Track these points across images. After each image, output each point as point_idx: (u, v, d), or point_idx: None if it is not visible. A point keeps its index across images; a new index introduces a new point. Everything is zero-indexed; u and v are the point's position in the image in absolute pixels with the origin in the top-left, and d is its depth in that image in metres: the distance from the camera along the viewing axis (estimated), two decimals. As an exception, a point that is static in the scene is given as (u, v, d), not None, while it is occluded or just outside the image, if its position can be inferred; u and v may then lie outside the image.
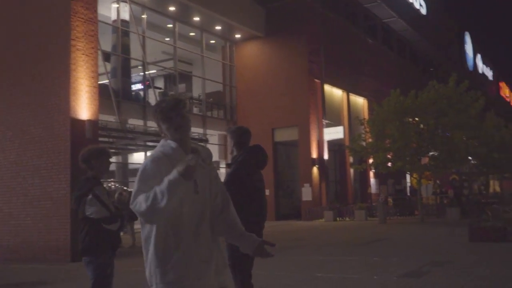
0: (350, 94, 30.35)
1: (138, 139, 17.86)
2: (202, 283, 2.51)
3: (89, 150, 4.69)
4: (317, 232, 18.47)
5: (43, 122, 13.24)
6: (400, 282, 7.43)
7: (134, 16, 20.83)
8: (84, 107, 13.08)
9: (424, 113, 20.98)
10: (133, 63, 22.29)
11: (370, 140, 22.83)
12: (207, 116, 25.50)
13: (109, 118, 17.39)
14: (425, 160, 23.20)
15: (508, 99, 78.89)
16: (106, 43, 19.98)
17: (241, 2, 25.63)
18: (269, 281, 7.79)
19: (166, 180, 2.34)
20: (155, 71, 25.78)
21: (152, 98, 22.03)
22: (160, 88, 25.81)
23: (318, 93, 26.76)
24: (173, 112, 2.59)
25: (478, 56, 62.84)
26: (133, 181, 20.16)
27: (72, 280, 9.74)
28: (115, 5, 20.68)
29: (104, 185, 4.87)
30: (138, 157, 22.32)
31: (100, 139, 14.78)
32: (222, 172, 18.76)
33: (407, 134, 20.77)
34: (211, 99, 27.04)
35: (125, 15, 20.98)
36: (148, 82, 22.38)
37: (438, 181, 29.09)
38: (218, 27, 25.66)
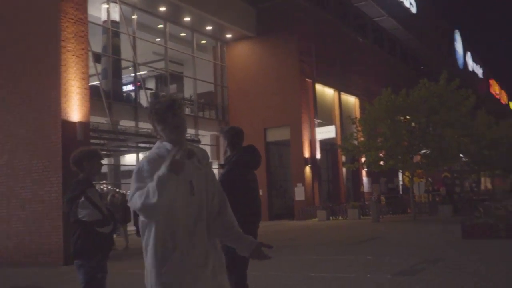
0: (342, 93, 30.42)
1: (130, 141, 17.79)
2: (199, 285, 2.49)
3: (81, 152, 4.65)
4: (310, 231, 18.48)
5: (34, 125, 13.13)
6: (394, 281, 7.43)
7: (124, 17, 20.73)
8: (75, 109, 12.99)
9: (416, 112, 21.07)
10: (124, 64, 22.21)
11: (362, 139, 22.89)
12: (198, 117, 25.45)
13: (101, 120, 17.30)
14: (417, 158, 23.28)
15: (498, 97, 79.44)
16: (97, 44, 19.89)
17: (232, 2, 25.59)
18: (264, 282, 7.77)
19: (155, 177, 2.35)
20: (146, 72, 25.70)
21: (144, 99, 21.95)
22: (151, 89, 25.73)
23: (310, 92, 26.79)
24: (168, 113, 2.57)
25: (468, 54, 63.23)
26: (126, 183, 20.06)
27: (65, 283, 9.67)
28: (105, 6, 20.59)
29: (96, 188, 4.83)
30: (130, 159, 22.24)
31: (92, 141, 14.70)
32: (215, 172, 18.70)
33: (399, 133, 20.86)
34: (202, 99, 27.00)
35: (115, 16, 20.89)
36: (139, 83, 22.29)
37: (430, 179, 29.20)
38: (209, 27, 25.61)
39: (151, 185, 2.34)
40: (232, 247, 2.74)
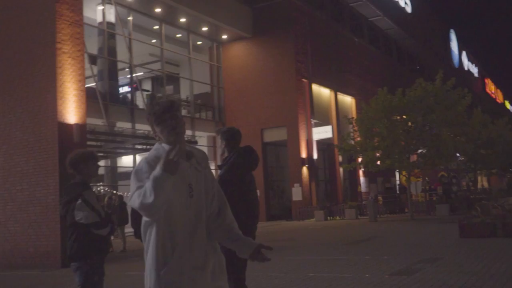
0: (338, 93, 30.45)
1: (127, 142, 17.75)
2: (197, 287, 2.48)
3: (77, 154, 4.63)
4: (308, 231, 18.48)
5: (30, 127, 13.08)
6: (392, 280, 7.43)
7: (120, 18, 20.70)
8: (71, 111, 12.96)
9: (412, 111, 21.12)
10: (120, 65, 22.17)
11: (358, 138, 22.92)
12: (195, 118, 25.43)
13: (97, 122, 17.27)
14: (413, 158, 23.34)
15: (493, 96, 79.68)
16: (92, 46, 19.85)
17: (227, 3, 25.59)
18: (262, 282, 7.76)
19: (151, 177, 2.35)
20: (142, 73, 25.67)
21: (140, 100, 21.92)
22: (147, 91, 25.70)
23: (306, 92, 26.81)
24: (167, 114, 2.56)
25: (464, 53, 63.41)
26: (122, 185, 19.99)
27: (62, 286, 9.65)
28: (100, 7, 20.55)
29: (93, 190, 4.81)
30: (127, 161, 22.19)
31: (88, 143, 14.66)
32: (213, 173, 18.69)
33: (395, 132, 20.90)
34: (199, 100, 26.98)
35: (111, 17, 20.85)
36: (135, 85, 22.27)
37: (427, 178, 29.28)
38: (204, 28, 25.60)
39: (148, 185, 2.35)
40: (231, 248, 2.73)
